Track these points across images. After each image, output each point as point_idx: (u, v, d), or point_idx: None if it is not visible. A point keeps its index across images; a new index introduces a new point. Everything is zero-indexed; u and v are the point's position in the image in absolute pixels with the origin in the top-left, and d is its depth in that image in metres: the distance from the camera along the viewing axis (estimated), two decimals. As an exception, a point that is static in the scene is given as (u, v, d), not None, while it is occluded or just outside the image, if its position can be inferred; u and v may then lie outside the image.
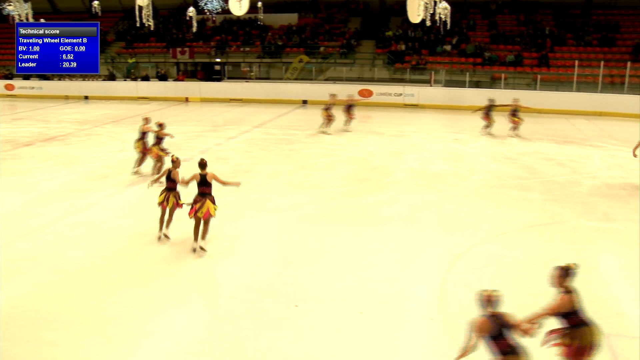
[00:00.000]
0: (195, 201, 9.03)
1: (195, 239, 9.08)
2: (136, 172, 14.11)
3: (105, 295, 7.67)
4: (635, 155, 13.02)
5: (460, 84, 28.53)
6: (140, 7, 19.97)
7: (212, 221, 9.53)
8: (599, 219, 11.03)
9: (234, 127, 21.34)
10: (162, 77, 33.13)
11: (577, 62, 27.49)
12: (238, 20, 35.60)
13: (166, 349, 6.52)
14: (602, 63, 26.97)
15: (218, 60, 34.63)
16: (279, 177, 14.08)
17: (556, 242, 9.81)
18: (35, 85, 33.27)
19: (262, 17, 33.27)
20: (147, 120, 14.17)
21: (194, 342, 6.61)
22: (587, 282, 8.15)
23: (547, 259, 8.96)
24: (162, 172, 9.91)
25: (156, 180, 10.20)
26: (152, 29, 26.01)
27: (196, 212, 8.96)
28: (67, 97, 32.31)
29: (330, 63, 32.63)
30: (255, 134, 20.06)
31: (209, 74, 34.43)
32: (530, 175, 14.28)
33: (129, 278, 8.25)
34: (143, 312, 7.27)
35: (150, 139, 13.90)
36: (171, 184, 9.53)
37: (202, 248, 9.08)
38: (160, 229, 9.57)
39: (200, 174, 9.10)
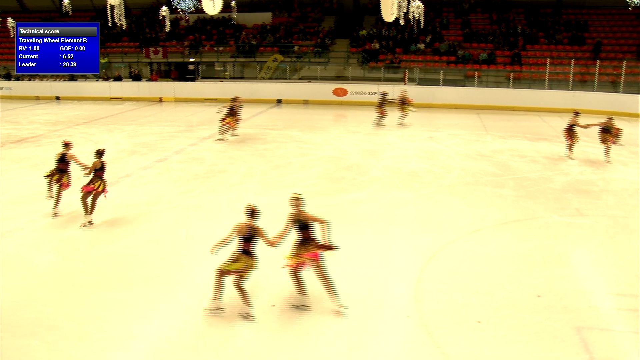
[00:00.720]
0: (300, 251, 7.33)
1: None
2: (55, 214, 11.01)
3: (80, 299, 7.55)
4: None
5: (434, 82, 28.73)
6: (112, 6, 19.67)
7: (185, 222, 9.31)
8: (571, 215, 11.18)
9: (208, 127, 21.19)
10: (136, 77, 32.81)
11: (548, 60, 27.89)
12: (212, 19, 35.41)
13: (144, 352, 6.45)
14: (572, 61, 27.37)
15: (192, 59, 34.41)
16: (253, 176, 14.03)
17: (530, 238, 9.92)
18: (5, 85, 32.66)
19: (235, 17, 33.16)
20: (68, 146, 11.09)
21: (172, 344, 6.54)
22: (559, 276, 8.29)
23: (521, 255, 9.10)
24: (230, 236, 7.18)
25: (224, 244, 7.28)
26: (124, 28, 25.75)
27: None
28: (37, 98, 31.80)
29: (304, 62, 32.61)
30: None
31: (182, 73, 34.20)
32: (504, 172, 14.43)
33: (105, 281, 8.13)
34: (120, 315, 7.16)
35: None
36: (249, 245, 7.12)
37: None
38: (218, 296, 7.17)
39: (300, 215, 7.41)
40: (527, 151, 17.10)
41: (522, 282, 8.09)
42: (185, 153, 16.67)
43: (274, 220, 10.80)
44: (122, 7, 20.19)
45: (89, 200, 10.41)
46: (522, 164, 15.44)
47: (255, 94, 29.54)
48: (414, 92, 28.06)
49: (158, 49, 34.49)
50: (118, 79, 32.66)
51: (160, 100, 30.96)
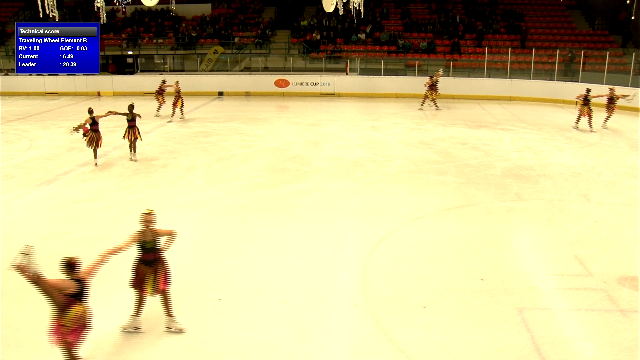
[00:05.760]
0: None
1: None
2: None
3: (17, 304, 7.29)
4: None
5: (376, 72, 28.93)
6: (43, -4, 18.93)
7: (127, 219, 9.06)
8: (511, 199, 11.46)
9: (149, 121, 20.75)
10: (71, 71, 31.80)
11: (487, 49, 28.44)
12: (150, 11, 34.66)
13: (88, 353, 6.25)
14: (509, 50, 28.01)
15: (130, 52, 33.57)
16: (196, 170, 13.83)
17: (472, 223, 10.11)
18: None
19: (174, 8, 32.40)
20: None
21: (113, 343, 6.39)
22: (501, 260, 8.48)
23: (464, 240, 9.27)
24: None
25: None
26: (57, 20, 24.85)
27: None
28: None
29: (245, 54, 32.30)
30: (171, 128, 19.63)
31: (121, 67, 33.39)
32: (446, 160, 14.66)
33: (41, 281, 7.85)
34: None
35: None
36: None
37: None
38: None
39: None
40: (468, 138, 17.43)
41: (465, 267, 8.24)
42: (126, 148, 16.27)
43: (216, 213, 10.73)
44: (54, -2, 19.45)
45: None
46: (463, 151, 15.72)
47: (196, 87, 29.10)
48: (356, 82, 28.30)
49: (94, 41, 33.51)
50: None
51: (99, 94, 30.14)
